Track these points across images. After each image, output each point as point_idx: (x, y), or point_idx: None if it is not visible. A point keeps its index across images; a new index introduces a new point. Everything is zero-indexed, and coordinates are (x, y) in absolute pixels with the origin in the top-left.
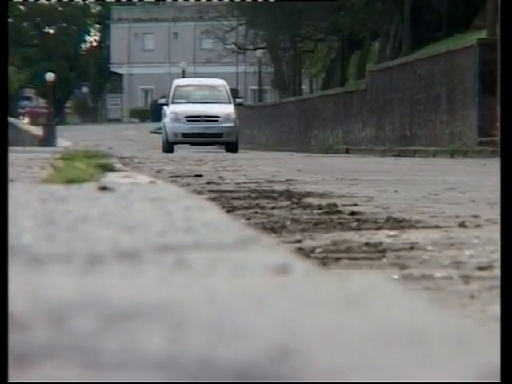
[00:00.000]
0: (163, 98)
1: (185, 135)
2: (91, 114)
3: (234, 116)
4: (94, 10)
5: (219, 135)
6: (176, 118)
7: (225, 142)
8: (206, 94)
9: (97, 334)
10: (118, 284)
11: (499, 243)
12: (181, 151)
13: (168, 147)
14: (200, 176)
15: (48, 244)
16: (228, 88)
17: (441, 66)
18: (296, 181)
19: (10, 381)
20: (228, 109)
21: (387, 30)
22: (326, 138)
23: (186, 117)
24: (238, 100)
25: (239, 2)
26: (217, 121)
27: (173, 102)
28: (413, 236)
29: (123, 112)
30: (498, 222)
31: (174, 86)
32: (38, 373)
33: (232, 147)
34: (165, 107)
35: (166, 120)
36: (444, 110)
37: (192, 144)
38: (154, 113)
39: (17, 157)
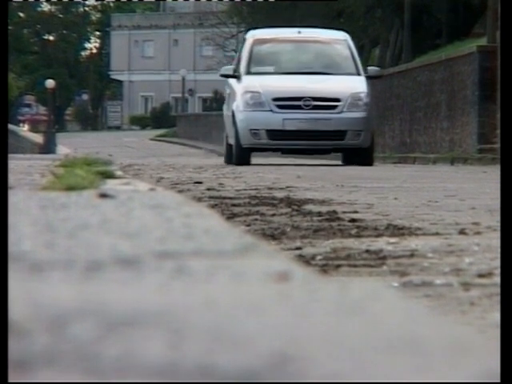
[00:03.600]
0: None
1: (273, 134)
2: (91, 121)
3: (366, 99)
4: (94, 17)
5: (340, 134)
6: (256, 102)
7: (350, 148)
8: (312, 58)
9: (97, 340)
10: (117, 291)
11: (499, 250)
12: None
13: (240, 156)
14: (200, 183)
15: (48, 251)
16: (354, 46)
17: (441, 73)
18: (296, 188)
19: (10, 381)
20: (356, 85)
21: (387, 37)
22: None
23: (276, 99)
24: (372, 69)
25: (239, 9)
26: (335, 107)
27: (248, 73)
28: (413, 243)
29: (123, 119)
30: (498, 229)
31: (249, 43)
32: (37, 379)
33: (361, 156)
34: (231, 82)
35: (236, 106)
36: (444, 117)
37: (285, 152)
38: (154, 120)
39: (17, 164)
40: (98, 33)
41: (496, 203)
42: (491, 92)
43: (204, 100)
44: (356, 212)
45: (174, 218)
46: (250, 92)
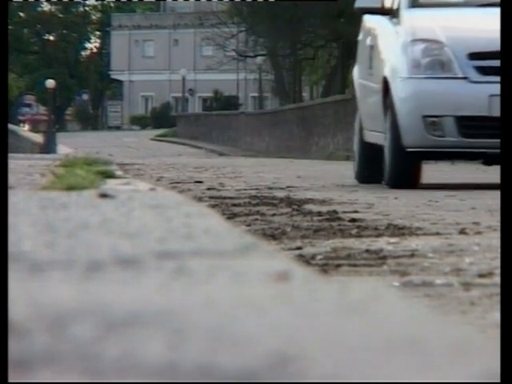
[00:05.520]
0: None
1: (471, 126)
2: (91, 120)
3: None
4: (94, 17)
5: None
6: (434, 62)
7: None
8: None
9: (97, 340)
10: (118, 291)
11: (499, 250)
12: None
13: (401, 168)
14: (200, 182)
15: (48, 251)
16: None
17: None
18: (296, 188)
19: (10, 381)
20: None
21: None
22: (327, 144)
23: (475, 56)
24: None
25: (239, 9)
26: None
27: (415, 5)
28: (413, 243)
29: (123, 119)
30: (498, 228)
31: None
32: (37, 379)
33: None
34: (375, 22)
35: (392, 69)
36: None
37: (490, 160)
38: (154, 120)
39: (17, 164)
40: (98, 33)
41: (496, 203)
42: None
43: (204, 100)
44: (356, 212)
45: (174, 217)
46: (421, 41)
